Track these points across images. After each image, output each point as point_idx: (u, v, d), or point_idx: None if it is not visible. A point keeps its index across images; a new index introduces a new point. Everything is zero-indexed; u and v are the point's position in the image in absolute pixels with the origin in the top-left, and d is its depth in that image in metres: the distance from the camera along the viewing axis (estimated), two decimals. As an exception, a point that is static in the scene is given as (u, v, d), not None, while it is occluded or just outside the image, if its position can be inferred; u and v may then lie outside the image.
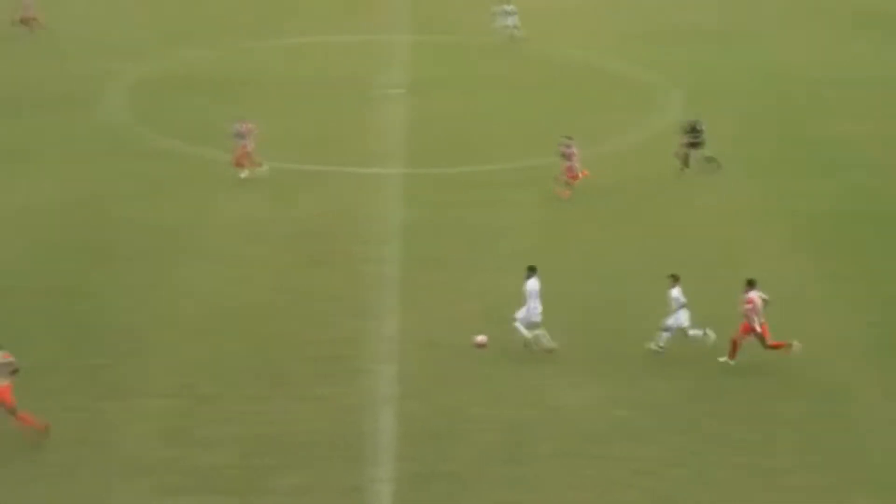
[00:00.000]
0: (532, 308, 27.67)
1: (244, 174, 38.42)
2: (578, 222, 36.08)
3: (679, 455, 23.84)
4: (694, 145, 39.91)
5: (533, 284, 27.73)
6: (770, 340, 27.15)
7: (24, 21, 58.30)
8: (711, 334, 27.87)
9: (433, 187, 38.97)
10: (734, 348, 27.31)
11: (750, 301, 26.95)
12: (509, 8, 58.27)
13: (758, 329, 27.01)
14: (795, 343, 27.22)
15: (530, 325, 27.76)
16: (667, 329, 27.84)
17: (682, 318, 27.82)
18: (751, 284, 27.16)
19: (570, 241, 34.41)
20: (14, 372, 24.01)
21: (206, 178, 39.12)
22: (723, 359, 27.42)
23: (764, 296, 27.19)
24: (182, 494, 22.31)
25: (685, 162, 39.88)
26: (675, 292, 27.79)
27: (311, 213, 36.39)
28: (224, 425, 24.56)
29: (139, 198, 37.19)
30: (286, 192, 38.13)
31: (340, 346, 27.98)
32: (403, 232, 35.05)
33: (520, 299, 27.70)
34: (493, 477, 23.03)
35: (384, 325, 29.03)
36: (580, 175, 37.24)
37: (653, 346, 27.97)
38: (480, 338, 27.79)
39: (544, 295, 27.60)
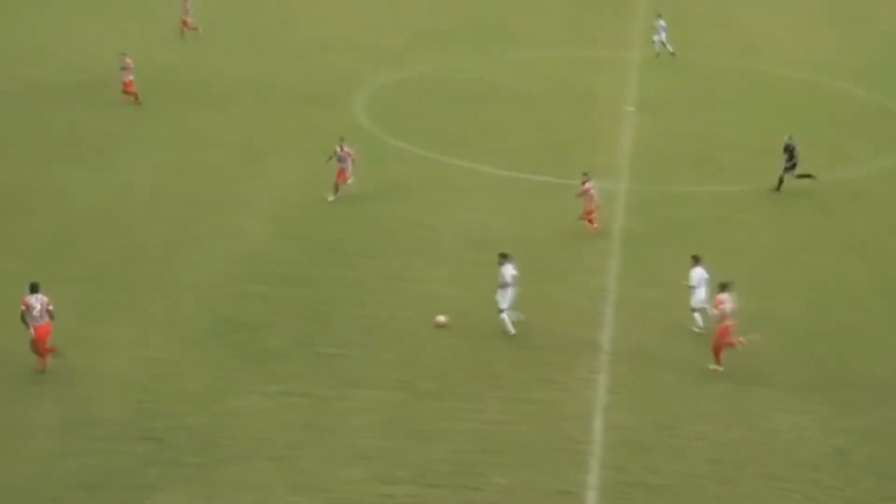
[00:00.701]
0: (507, 294, 28.09)
1: (331, 198, 37.39)
2: (804, 248, 34.94)
3: None
4: (789, 168, 38.92)
5: (508, 270, 28.01)
6: (728, 340, 26.79)
7: (186, 25, 59.49)
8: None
9: (658, 204, 38.39)
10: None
11: (720, 302, 26.70)
12: (662, 23, 57.69)
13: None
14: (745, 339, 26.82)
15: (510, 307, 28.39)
16: (695, 310, 28.82)
17: (700, 295, 28.73)
18: (723, 287, 27.00)
19: (794, 265, 33.31)
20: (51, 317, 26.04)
21: (440, 182, 39.60)
22: (712, 366, 26.96)
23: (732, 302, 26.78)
24: (397, 484, 22.53)
25: (779, 185, 39.17)
26: (697, 272, 28.92)
27: (536, 222, 36.28)
28: (439, 421, 24.77)
29: (375, 197, 37.94)
30: (514, 201, 38.24)
31: (555, 353, 27.86)
32: (625, 246, 34.68)
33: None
34: (699, 494, 22.44)
35: (600, 335, 28.75)
36: (593, 213, 35.17)
37: (694, 329, 28.77)
38: (441, 318, 28.25)
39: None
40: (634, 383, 26.60)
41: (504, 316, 28.38)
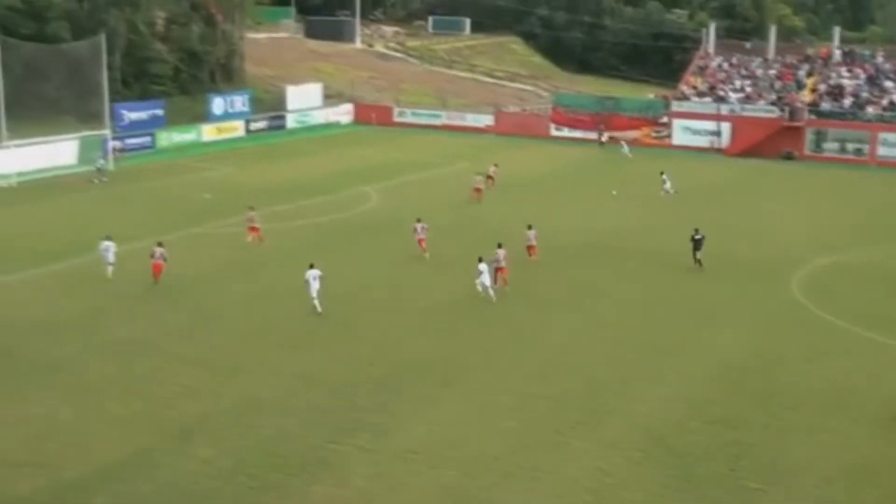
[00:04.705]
0: (314, 286, 36.81)
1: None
2: None
3: None
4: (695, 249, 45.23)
5: (313, 272, 36.68)
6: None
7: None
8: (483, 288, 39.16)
9: None
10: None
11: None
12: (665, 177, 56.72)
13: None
14: None
15: None
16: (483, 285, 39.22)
17: (485, 279, 39.18)
18: (500, 246, 40.22)
19: None
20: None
21: (859, 352, 36.24)
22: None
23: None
24: None
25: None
26: (482, 266, 39.20)
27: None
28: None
29: (801, 359, 35.40)
30: (878, 366, 34.52)
31: None
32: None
33: None
34: None
35: None
36: None
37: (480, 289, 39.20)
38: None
39: None
40: None
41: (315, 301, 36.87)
